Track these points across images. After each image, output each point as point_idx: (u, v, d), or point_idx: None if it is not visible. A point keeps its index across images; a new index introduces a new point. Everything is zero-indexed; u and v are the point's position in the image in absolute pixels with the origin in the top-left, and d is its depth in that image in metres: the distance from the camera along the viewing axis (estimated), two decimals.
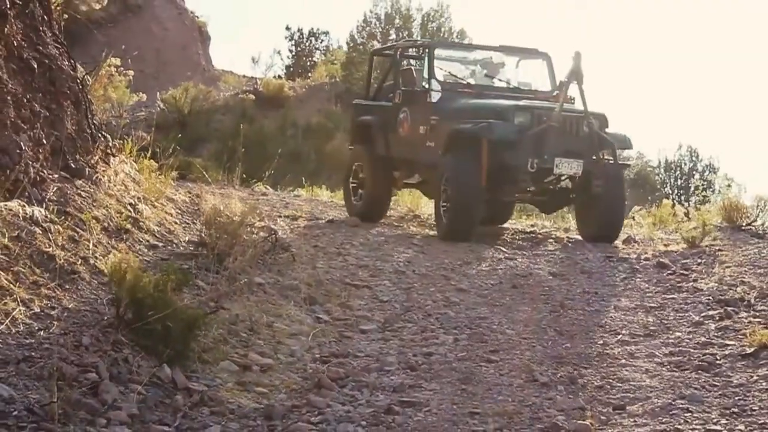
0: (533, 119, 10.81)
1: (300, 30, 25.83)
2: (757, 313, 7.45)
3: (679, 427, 5.13)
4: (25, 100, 7.04)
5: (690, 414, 5.36)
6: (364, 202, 12.48)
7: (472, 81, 12.47)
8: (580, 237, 11.56)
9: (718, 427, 5.09)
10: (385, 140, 12.45)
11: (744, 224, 11.19)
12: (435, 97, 11.68)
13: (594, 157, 10.96)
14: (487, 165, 10.70)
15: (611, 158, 11.16)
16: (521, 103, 11.19)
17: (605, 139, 11.03)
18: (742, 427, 5.09)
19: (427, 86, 11.87)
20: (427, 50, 12.32)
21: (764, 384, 5.86)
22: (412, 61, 13.52)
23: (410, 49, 13.50)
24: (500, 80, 12.55)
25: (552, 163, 10.70)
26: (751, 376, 6.02)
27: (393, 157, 12.46)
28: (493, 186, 10.86)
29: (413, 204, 14.00)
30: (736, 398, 5.61)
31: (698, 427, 5.11)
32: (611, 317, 7.67)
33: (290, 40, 25.21)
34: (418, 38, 13.11)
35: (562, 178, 11.23)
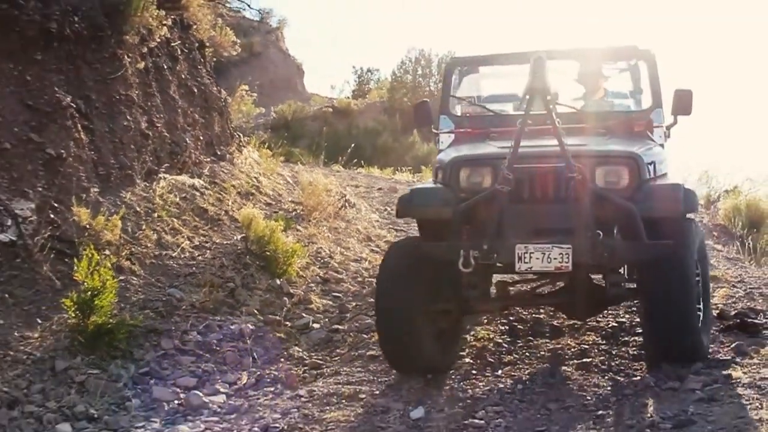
0: (495, 179, 3.94)
1: (361, 68, 25.63)
2: None
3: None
4: (189, 112, 7.05)
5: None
6: None
7: (510, 110, 5.21)
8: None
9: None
10: None
11: None
12: (444, 141, 4.86)
13: (595, 235, 3.72)
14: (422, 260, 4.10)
15: (635, 232, 3.82)
16: (478, 152, 4.31)
17: (621, 202, 3.85)
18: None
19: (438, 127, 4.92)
20: (445, 72, 5.19)
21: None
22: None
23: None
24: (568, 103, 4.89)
25: (510, 255, 3.80)
26: None
27: None
28: (438, 294, 4.22)
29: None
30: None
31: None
32: None
33: (355, 74, 25.01)
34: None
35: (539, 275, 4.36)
